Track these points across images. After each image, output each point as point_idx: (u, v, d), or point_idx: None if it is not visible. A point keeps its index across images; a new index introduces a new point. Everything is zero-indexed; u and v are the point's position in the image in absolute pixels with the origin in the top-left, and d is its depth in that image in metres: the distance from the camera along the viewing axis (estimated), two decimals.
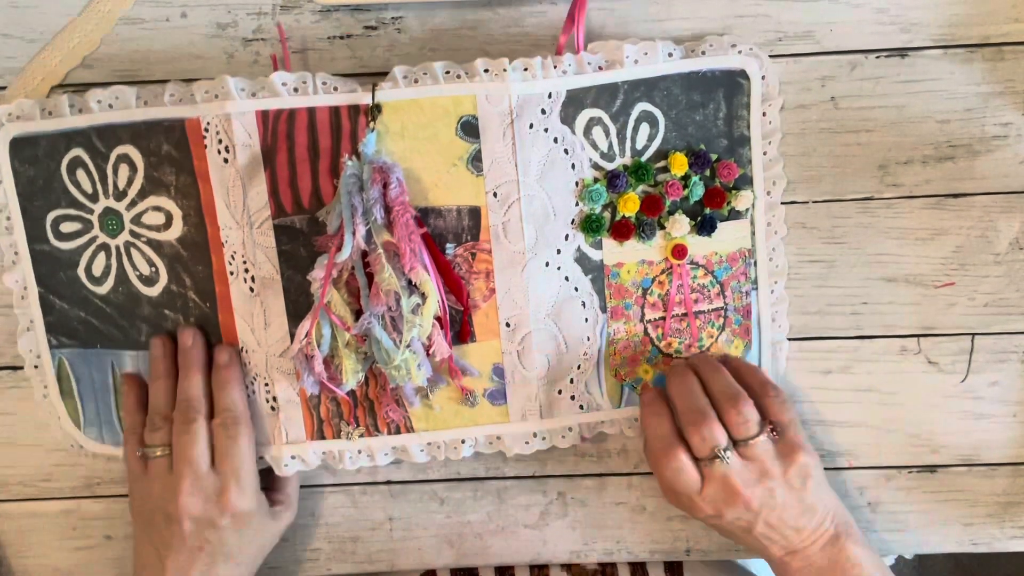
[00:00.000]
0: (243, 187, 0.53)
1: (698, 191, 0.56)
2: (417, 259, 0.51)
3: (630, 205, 0.55)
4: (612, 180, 0.55)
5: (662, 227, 0.56)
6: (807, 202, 0.57)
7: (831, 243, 0.58)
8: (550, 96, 0.53)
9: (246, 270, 0.54)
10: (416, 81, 0.52)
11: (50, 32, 0.55)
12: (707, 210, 0.56)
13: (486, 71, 0.52)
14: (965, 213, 0.57)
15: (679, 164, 0.55)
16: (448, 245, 0.54)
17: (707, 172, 0.56)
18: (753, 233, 0.57)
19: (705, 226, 0.56)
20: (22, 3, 0.55)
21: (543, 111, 0.53)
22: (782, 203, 0.57)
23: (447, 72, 0.53)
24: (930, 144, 0.57)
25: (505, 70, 0.52)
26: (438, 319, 0.53)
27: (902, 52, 0.56)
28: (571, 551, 0.61)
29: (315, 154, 0.53)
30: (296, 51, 0.56)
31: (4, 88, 0.56)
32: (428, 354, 0.53)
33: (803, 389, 0.59)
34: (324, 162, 0.53)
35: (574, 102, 0.54)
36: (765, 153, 0.57)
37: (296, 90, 0.52)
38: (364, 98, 0.52)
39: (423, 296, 0.52)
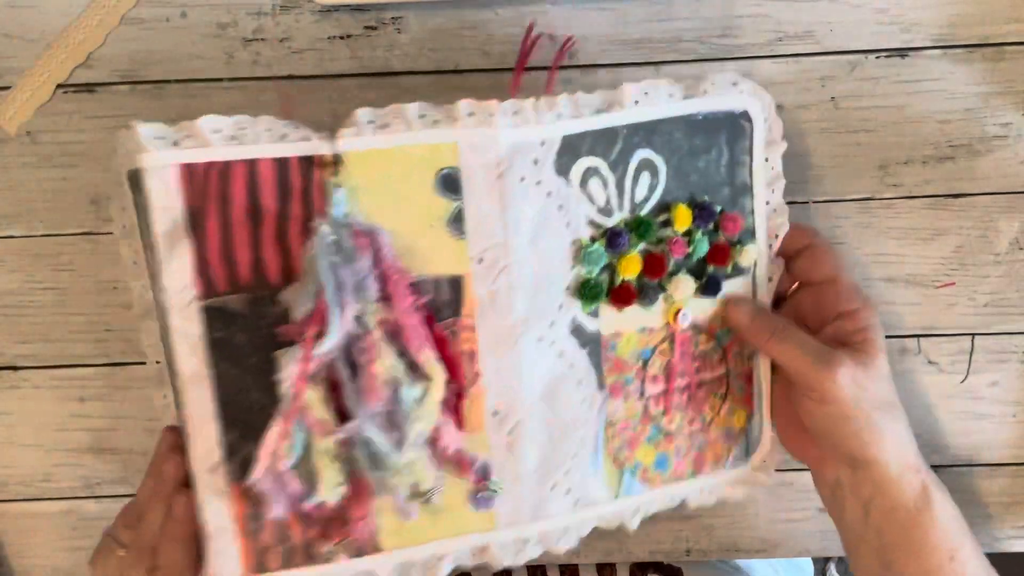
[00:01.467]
0: (159, 262, 0.43)
1: (703, 248, 0.51)
2: (425, 338, 0.44)
3: (632, 266, 0.49)
4: (612, 239, 0.49)
5: (663, 289, 0.51)
6: (807, 202, 0.58)
7: (831, 243, 0.58)
8: (543, 144, 0.47)
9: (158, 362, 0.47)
10: (385, 126, 0.44)
11: (50, 32, 0.55)
12: (711, 268, 0.51)
13: (471, 115, 0.45)
14: (965, 213, 0.57)
15: (683, 218, 0.50)
16: None
17: (711, 226, 0.51)
18: (755, 291, 0.53)
19: (710, 287, 0.51)
20: (22, 3, 0.55)
21: (535, 161, 0.47)
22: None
23: (422, 116, 0.45)
24: (930, 144, 0.57)
25: (492, 115, 0.45)
26: (444, 403, 0.46)
27: (902, 52, 0.56)
28: (571, 551, 0.61)
29: (256, 218, 0.43)
30: (296, 51, 0.56)
31: (8, 88, 0.56)
32: (434, 448, 0.46)
33: None
34: (268, 228, 0.44)
35: (570, 150, 0.47)
36: (768, 203, 0.52)
37: (233, 138, 0.43)
38: (320, 147, 0.44)
39: (427, 381, 0.44)
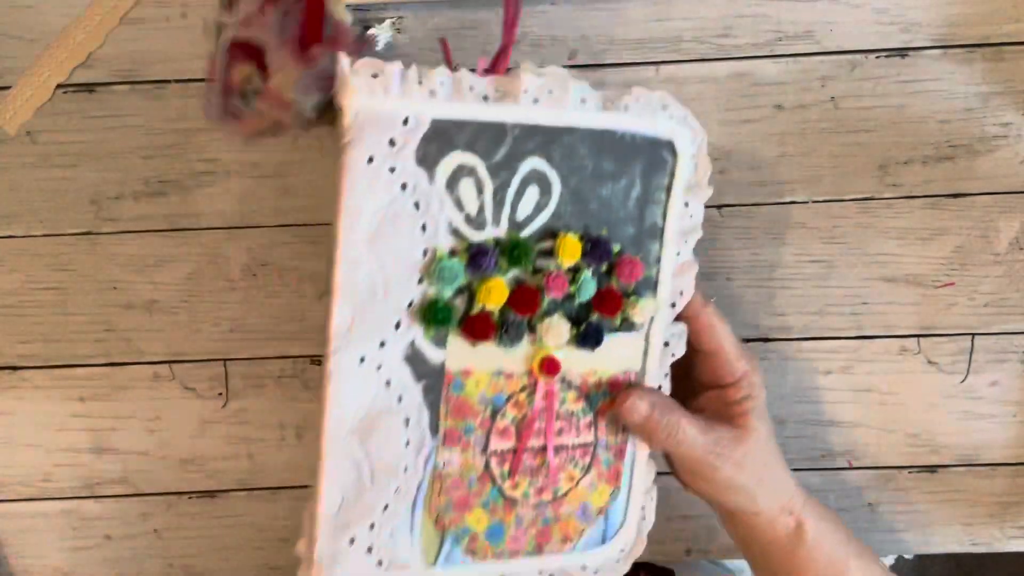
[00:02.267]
0: None
1: (588, 290, 0.43)
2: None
3: (494, 295, 0.41)
4: (475, 257, 0.40)
5: (532, 330, 0.42)
6: (807, 202, 0.57)
7: (831, 243, 0.58)
8: (406, 122, 0.38)
9: None
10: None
11: (50, 32, 0.55)
12: (595, 316, 0.43)
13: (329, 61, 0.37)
14: (965, 213, 0.57)
15: (570, 251, 0.42)
16: None
17: (603, 267, 0.43)
18: (646, 353, 0.45)
19: (589, 338, 0.43)
20: (22, 3, 0.55)
21: (392, 142, 0.37)
22: (782, 204, 0.57)
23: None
24: (930, 144, 0.57)
25: (344, 72, 0.36)
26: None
27: (902, 52, 0.56)
28: None
29: None
30: None
31: (8, 88, 0.56)
32: None
33: (803, 389, 0.59)
34: None
35: (440, 138, 0.38)
36: (679, 254, 0.45)
37: None
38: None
39: None
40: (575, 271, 0.42)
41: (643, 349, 0.45)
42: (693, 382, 0.50)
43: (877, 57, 0.56)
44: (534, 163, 0.40)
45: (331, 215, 0.39)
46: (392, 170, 0.38)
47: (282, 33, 0.40)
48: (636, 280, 0.44)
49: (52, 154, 0.57)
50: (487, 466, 0.44)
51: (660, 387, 0.47)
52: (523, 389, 0.43)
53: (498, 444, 0.43)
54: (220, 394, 0.59)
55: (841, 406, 0.59)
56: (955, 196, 0.57)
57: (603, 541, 0.47)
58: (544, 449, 0.44)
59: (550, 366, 0.43)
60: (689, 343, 0.48)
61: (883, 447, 0.60)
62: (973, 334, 0.59)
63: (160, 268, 0.58)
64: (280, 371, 0.59)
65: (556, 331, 0.42)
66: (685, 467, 0.48)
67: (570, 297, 0.43)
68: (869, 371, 0.59)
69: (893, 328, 0.59)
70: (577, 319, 0.43)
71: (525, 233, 0.41)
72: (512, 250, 0.41)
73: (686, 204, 0.44)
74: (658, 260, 0.44)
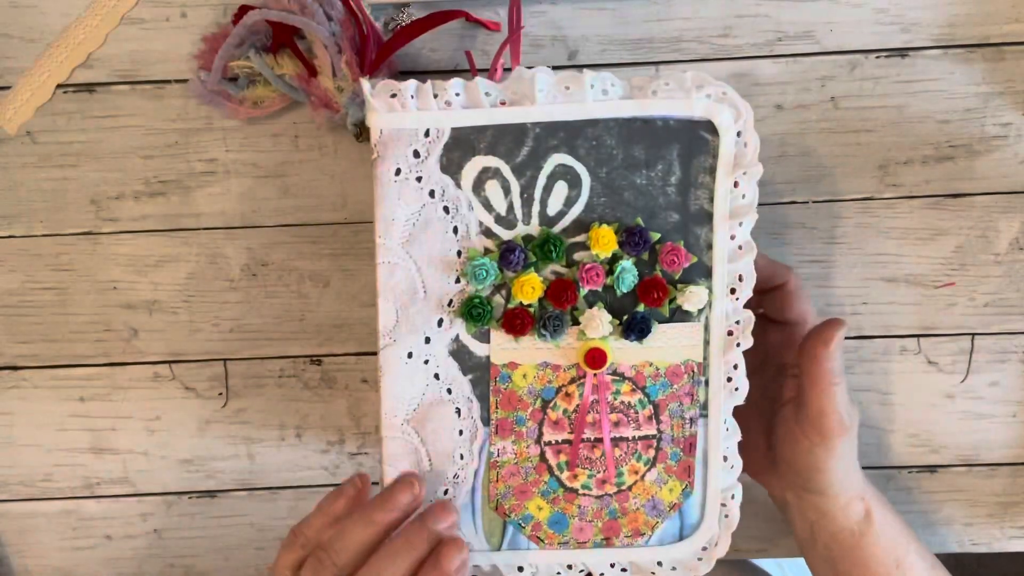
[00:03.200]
0: None
1: (627, 280, 0.43)
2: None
3: (527, 290, 0.43)
4: (504, 255, 0.43)
5: (576, 323, 0.44)
6: (807, 202, 0.57)
7: (831, 243, 0.58)
8: (427, 134, 0.42)
9: None
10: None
11: (50, 32, 0.55)
12: (641, 307, 0.44)
13: (340, 90, 0.43)
14: (965, 213, 0.57)
15: (604, 241, 0.42)
16: None
17: (644, 256, 0.44)
18: (707, 343, 0.45)
19: (633, 328, 0.43)
20: (22, 3, 0.55)
21: (416, 154, 0.42)
22: (782, 204, 0.57)
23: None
24: (930, 144, 0.57)
25: (363, 95, 0.42)
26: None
27: (902, 52, 0.56)
28: None
29: None
30: None
31: (8, 88, 0.56)
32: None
33: None
34: None
35: (461, 145, 0.42)
36: (733, 238, 0.44)
37: None
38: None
39: None
40: (613, 261, 0.43)
41: (703, 339, 0.45)
42: (773, 360, 0.50)
43: (877, 57, 0.56)
44: (560, 159, 0.42)
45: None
46: (419, 179, 0.42)
47: (332, 35, 0.42)
48: (683, 267, 0.44)
49: (52, 154, 0.57)
50: (543, 456, 0.45)
51: (729, 379, 0.45)
52: (572, 381, 0.45)
53: (552, 435, 0.45)
54: (220, 394, 0.59)
55: None
56: (955, 196, 0.57)
57: (680, 537, 0.47)
58: (600, 441, 0.45)
59: (595, 358, 0.44)
60: (773, 316, 0.48)
61: (883, 447, 0.60)
62: (973, 334, 0.59)
63: (160, 268, 0.58)
64: (280, 371, 0.59)
65: (596, 322, 0.43)
66: (814, 430, 0.46)
67: (610, 289, 0.44)
68: (869, 371, 0.59)
69: (893, 328, 0.59)
70: (620, 310, 0.44)
71: (558, 228, 0.43)
72: (543, 245, 0.43)
73: (735, 184, 0.44)
74: (710, 246, 0.44)
